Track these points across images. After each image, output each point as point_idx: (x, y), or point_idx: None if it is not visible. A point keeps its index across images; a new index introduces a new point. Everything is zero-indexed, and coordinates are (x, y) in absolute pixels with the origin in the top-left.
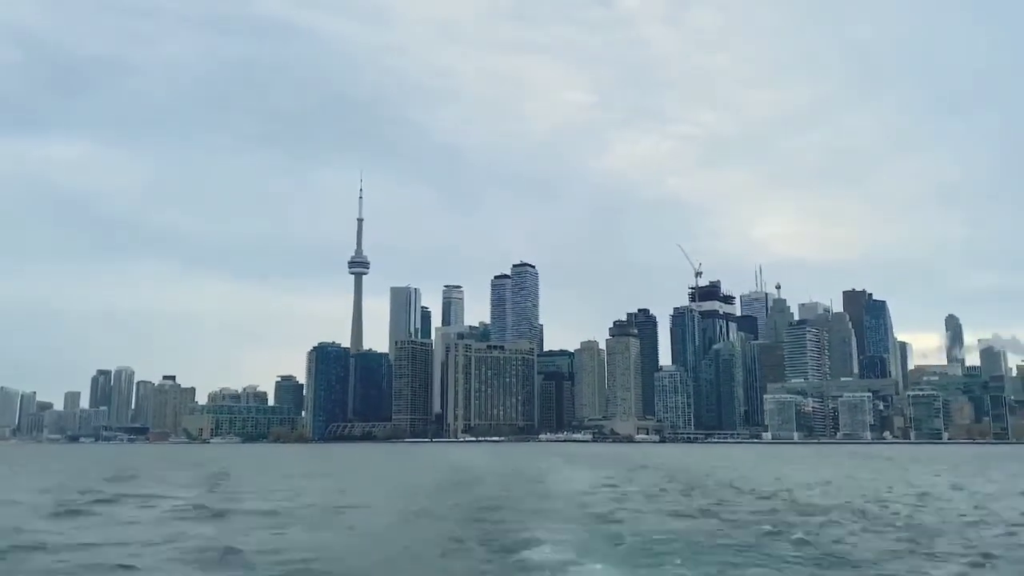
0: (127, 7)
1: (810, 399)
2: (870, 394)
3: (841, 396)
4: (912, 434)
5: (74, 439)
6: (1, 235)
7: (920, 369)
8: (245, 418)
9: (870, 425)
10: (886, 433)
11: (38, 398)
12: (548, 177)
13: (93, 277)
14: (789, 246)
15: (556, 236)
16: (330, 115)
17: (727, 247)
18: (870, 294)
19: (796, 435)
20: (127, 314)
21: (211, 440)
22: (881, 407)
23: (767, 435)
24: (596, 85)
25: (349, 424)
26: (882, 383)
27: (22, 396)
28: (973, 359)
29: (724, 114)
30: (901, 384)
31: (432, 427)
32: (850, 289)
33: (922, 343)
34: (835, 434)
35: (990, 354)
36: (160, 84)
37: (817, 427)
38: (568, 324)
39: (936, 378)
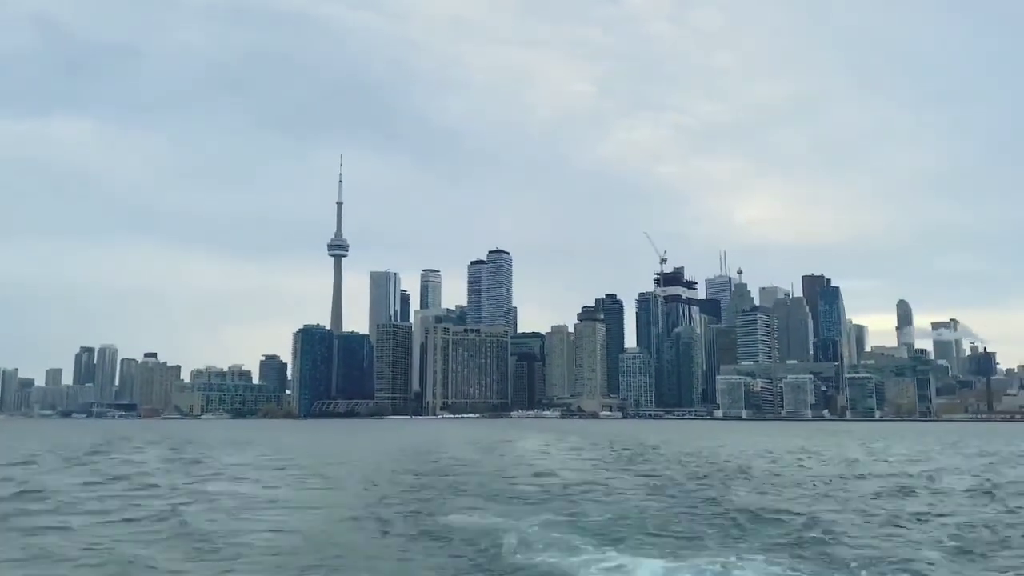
0: None
1: (759, 380)
2: (811, 376)
3: (786, 378)
4: (848, 412)
5: (66, 415)
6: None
7: (875, 351)
8: (233, 395)
9: (811, 404)
10: (825, 411)
11: (19, 375)
12: (542, 163)
13: (80, 254)
14: (769, 231)
15: (543, 220)
16: (336, 101)
17: (711, 232)
18: (828, 279)
19: (744, 413)
20: (107, 290)
21: (202, 416)
22: (824, 388)
23: (718, 412)
24: (598, 77)
25: (333, 401)
26: (823, 366)
27: (4, 372)
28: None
29: (719, 105)
30: (846, 366)
31: (412, 404)
32: (809, 274)
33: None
34: (780, 412)
35: (941, 339)
36: (171, 70)
37: (765, 405)
38: (548, 304)
39: (872, 362)
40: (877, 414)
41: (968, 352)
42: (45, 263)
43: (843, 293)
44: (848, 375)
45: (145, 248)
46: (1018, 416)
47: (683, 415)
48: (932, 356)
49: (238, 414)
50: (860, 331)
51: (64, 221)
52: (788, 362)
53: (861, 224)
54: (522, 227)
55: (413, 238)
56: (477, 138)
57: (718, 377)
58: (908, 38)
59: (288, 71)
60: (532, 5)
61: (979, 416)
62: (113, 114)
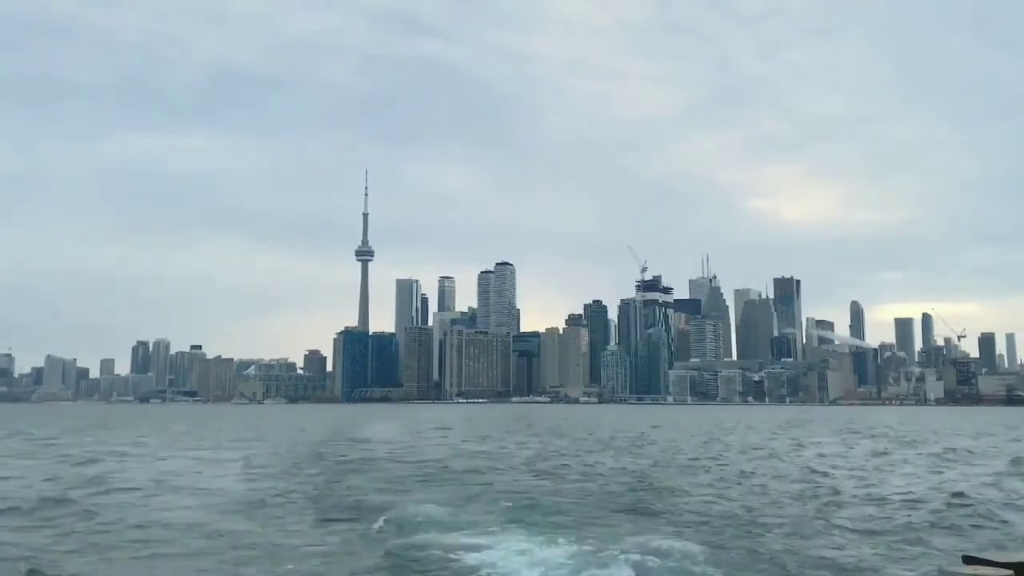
0: (300, 39)
1: (704, 373)
2: (740, 371)
3: (721, 371)
4: (767, 399)
5: (144, 400)
6: (102, 215)
7: (842, 343)
8: (287, 384)
9: (739, 392)
10: (749, 398)
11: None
12: (602, 174)
13: (151, 253)
14: (815, 230)
15: (580, 224)
16: (443, 125)
17: (759, 231)
18: (798, 281)
19: (690, 399)
20: (155, 286)
21: (264, 402)
22: (755, 378)
23: (670, 399)
24: (685, 101)
25: (369, 389)
26: (750, 363)
27: (64, 363)
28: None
29: (782, 122)
30: (802, 359)
31: (433, 391)
32: (780, 276)
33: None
34: (716, 399)
35: (903, 329)
36: (304, 99)
37: (707, 393)
38: (579, 295)
39: (791, 360)
40: (788, 400)
41: (940, 343)
42: (118, 261)
43: (878, 284)
44: (767, 370)
45: (206, 246)
46: (891, 401)
47: (643, 401)
48: (896, 348)
49: (291, 400)
50: (825, 326)
51: (156, 223)
52: (724, 359)
53: (898, 224)
54: (563, 230)
55: (471, 236)
56: (554, 153)
57: (670, 371)
58: (952, 63)
59: (409, 101)
60: (642, 48)
61: (867, 401)
62: (236, 133)
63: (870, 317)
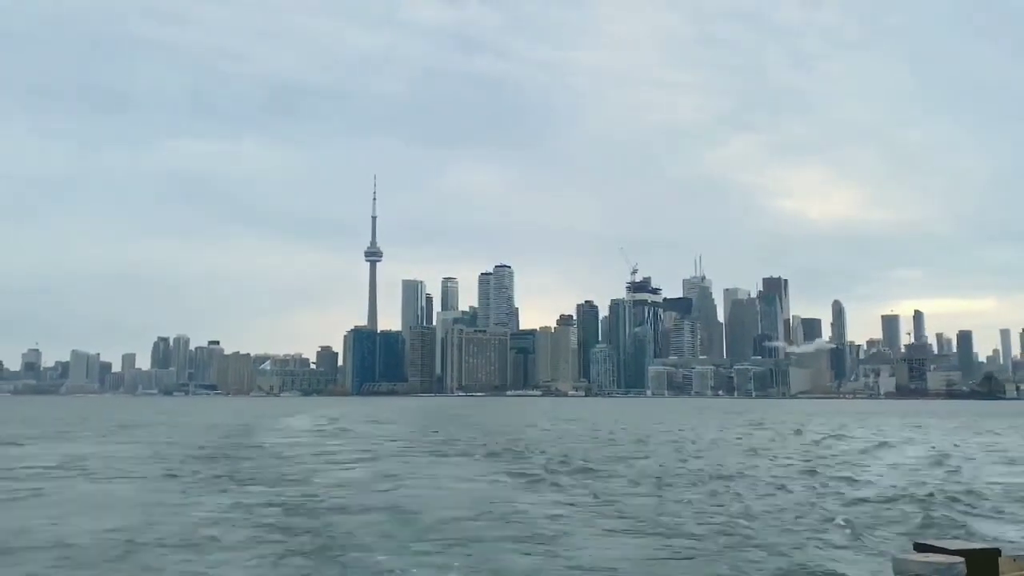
0: (365, 54)
1: (680, 369)
2: (712, 367)
3: (695, 368)
4: (736, 393)
5: (168, 393)
6: (118, 216)
7: (807, 345)
8: (301, 378)
9: (712, 387)
10: (720, 391)
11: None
12: (627, 174)
13: (179, 252)
14: (836, 228)
15: (597, 221)
16: (482, 131)
17: (781, 230)
18: (785, 280)
19: (667, 393)
20: (171, 282)
21: (280, 395)
22: (728, 374)
23: (649, 392)
24: (716, 106)
25: (377, 383)
26: (720, 360)
27: (88, 357)
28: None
29: (806, 126)
30: (783, 357)
31: (436, 386)
32: (769, 276)
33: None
34: (691, 392)
35: (890, 327)
36: (357, 108)
37: (682, 387)
38: (582, 291)
39: (759, 357)
40: (754, 394)
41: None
42: (136, 261)
43: (895, 280)
44: (736, 367)
45: (223, 245)
46: (847, 395)
47: (628, 394)
48: (882, 343)
49: (306, 393)
50: (810, 324)
51: (191, 223)
52: (700, 356)
53: (916, 222)
54: (569, 229)
55: (476, 235)
56: (585, 152)
57: (649, 367)
58: (969, 68)
59: (454, 108)
60: (677, 59)
61: (825, 396)
62: (249, 136)
63: (880, 314)
